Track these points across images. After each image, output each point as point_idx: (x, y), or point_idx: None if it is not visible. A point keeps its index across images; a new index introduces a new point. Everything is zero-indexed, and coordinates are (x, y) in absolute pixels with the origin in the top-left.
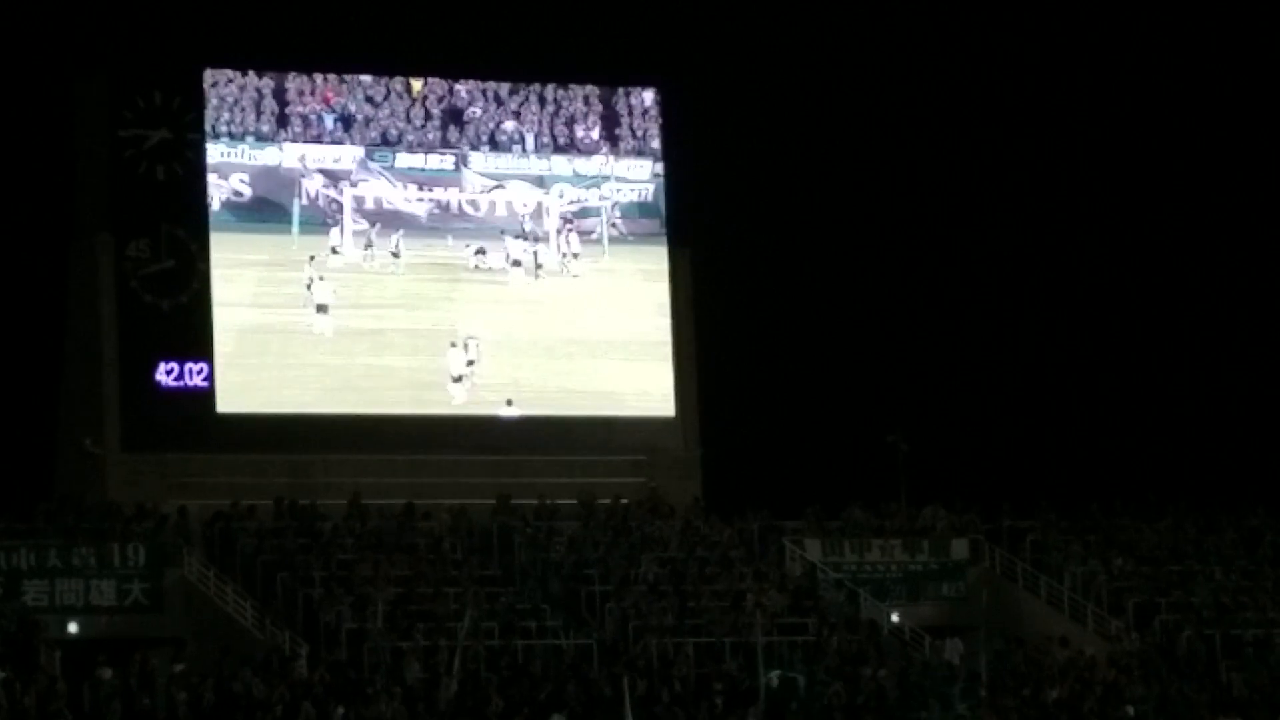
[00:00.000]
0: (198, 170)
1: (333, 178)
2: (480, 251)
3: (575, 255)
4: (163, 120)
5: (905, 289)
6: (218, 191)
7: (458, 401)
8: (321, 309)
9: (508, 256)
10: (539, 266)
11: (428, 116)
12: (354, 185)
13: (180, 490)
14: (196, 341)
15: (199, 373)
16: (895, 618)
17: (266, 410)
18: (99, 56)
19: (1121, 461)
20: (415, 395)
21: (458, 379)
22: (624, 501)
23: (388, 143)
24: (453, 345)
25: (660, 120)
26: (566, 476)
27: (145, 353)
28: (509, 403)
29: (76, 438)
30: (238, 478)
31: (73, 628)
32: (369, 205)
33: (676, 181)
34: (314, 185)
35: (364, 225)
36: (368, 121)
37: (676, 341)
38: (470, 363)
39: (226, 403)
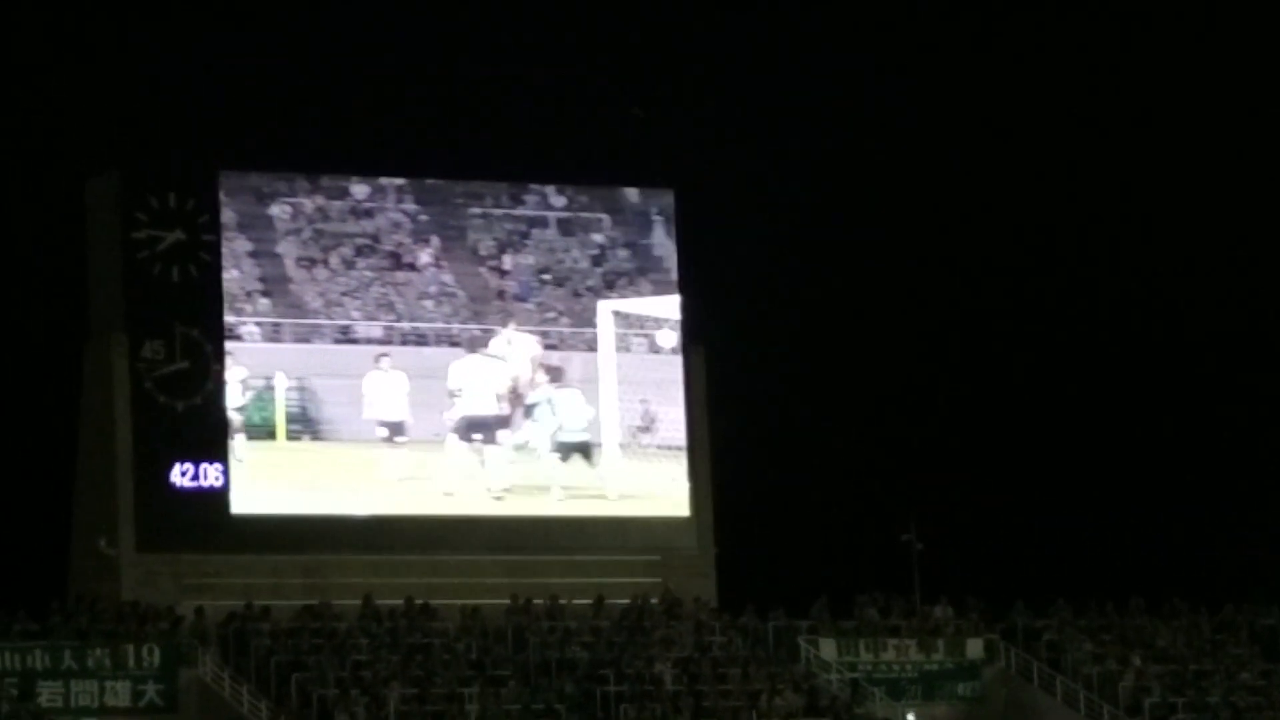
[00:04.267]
0: (212, 271)
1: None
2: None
3: None
4: (177, 221)
5: (918, 388)
6: None
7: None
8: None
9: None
10: None
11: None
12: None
13: (195, 591)
14: (211, 442)
15: (213, 473)
16: (911, 717)
17: (280, 511)
18: (112, 157)
19: (1136, 560)
20: (428, 496)
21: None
22: (651, 600)
23: None
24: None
25: (676, 222)
26: (580, 576)
27: (160, 453)
28: None
29: (91, 538)
30: (252, 578)
31: None
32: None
33: (690, 283)
34: None
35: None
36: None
37: (691, 441)
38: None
39: (241, 503)
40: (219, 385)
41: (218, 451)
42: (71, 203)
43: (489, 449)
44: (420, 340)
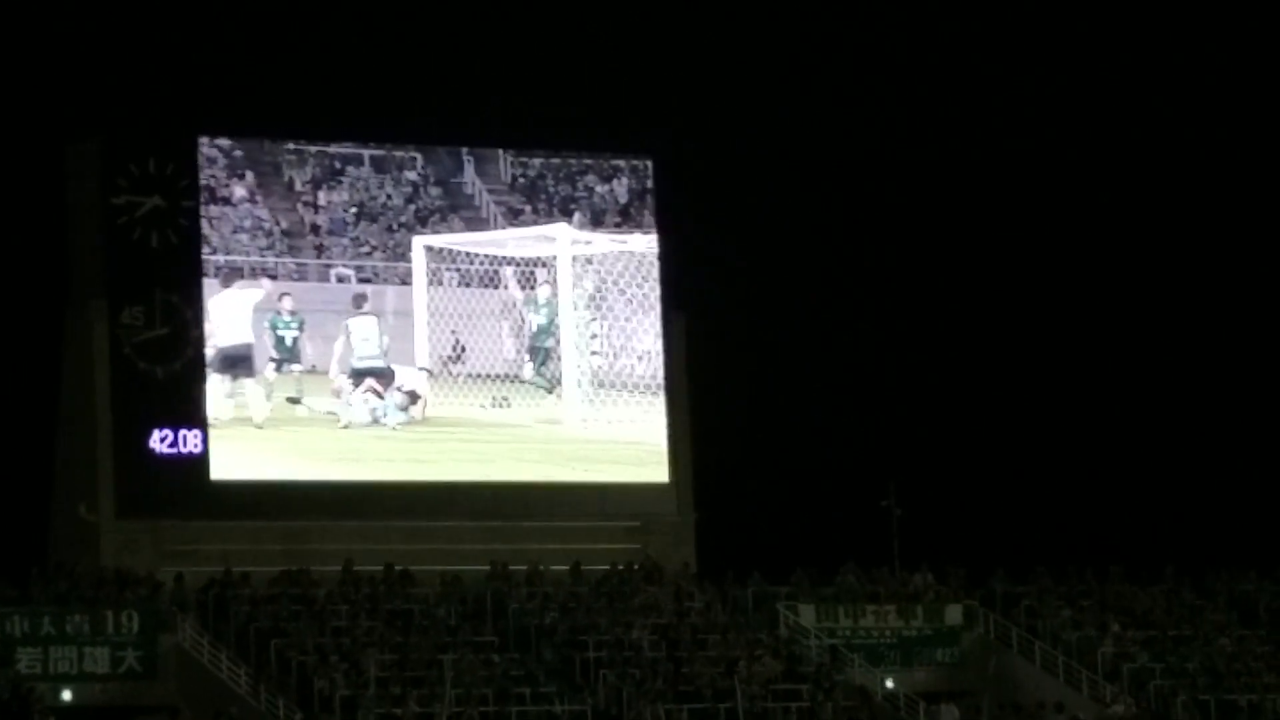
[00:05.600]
0: (191, 237)
1: None
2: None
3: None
4: (156, 187)
5: (898, 354)
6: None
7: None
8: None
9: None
10: None
11: None
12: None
13: (174, 557)
14: (190, 409)
15: (193, 440)
16: (889, 683)
17: (260, 477)
18: (92, 123)
19: (1115, 526)
20: (408, 462)
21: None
22: (634, 566)
23: None
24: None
25: (655, 190)
26: (560, 543)
27: (139, 420)
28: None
29: (70, 505)
30: (231, 545)
31: (66, 695)
32: None
33: (671, 248)
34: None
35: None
36: None
37: (671, 407)
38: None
39: (220, 470)
40: (199, 351)
41: (197, 418)
42: (51, 169)
43: (248, 382)
44: (233, 273)
